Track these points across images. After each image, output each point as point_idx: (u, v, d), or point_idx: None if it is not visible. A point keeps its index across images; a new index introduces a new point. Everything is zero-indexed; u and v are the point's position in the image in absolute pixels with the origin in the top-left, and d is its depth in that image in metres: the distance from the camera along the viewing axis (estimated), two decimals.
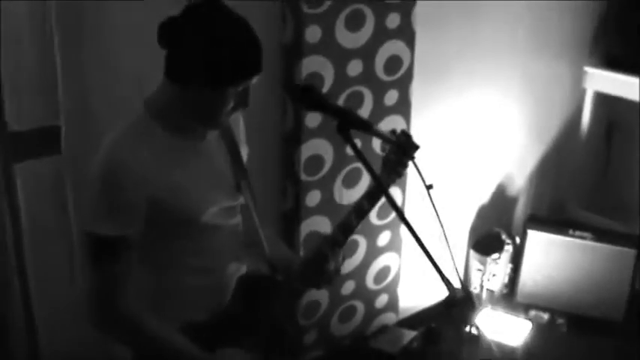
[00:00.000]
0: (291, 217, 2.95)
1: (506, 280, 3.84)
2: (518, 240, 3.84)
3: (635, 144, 4.10)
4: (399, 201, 3.20)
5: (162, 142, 1.84)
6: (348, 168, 2.98)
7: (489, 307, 3.70)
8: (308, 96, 1.87)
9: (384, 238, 3.27)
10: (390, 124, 3.04)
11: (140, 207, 1.79)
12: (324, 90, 2.78)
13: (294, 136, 2.83)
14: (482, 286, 3.76)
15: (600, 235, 3.70)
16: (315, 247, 2.08)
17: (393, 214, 3.22)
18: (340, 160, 2.95)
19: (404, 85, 3.05)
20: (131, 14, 2.36)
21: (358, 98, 2.91)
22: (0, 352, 2.51)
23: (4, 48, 2.17)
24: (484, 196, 3.87)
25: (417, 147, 2.09)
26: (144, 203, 1.79)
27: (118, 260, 1.80)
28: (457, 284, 1.78)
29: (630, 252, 3.63)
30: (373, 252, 3.26)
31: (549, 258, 3.74)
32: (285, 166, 2.91)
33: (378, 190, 2.05)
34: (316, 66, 2.74)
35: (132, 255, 1.82)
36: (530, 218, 3.89)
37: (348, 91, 2.87)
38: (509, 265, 3.82)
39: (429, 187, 1.84)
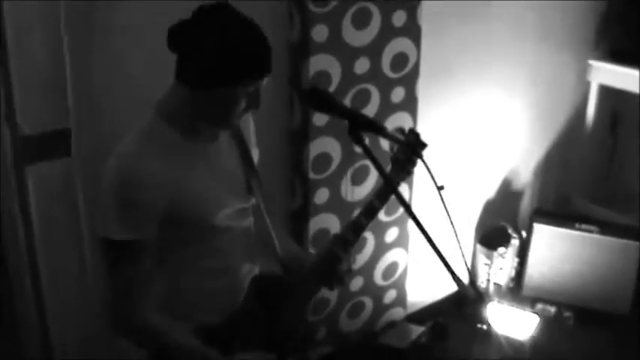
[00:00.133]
0: (300, 215, 2.96)
1: (512, 273, 3.85)
2: (524, 234, 3.85)
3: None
4: (406, 197, 3.21)
5: (173, 146, 1.84)
6: (355, 165, 2.99)
7: (496, 301, 3.72)
8: (317, 98, 1.89)
9: (391, 234, 3.29)
10: (397, 120, 3.05)
11: (154, 212, 1.80)
12: (332, 88, 2.79)
13: (302, 134, 2.84)
14: (489, 280, 3.78)
15: (606, 228, 3.70)
16: (325, 247, 2.10)
17: (401, 211, 3.24)
18: (348, 158, 2.96)
19: (410, 82, 3.05)
20: (140, 15, 2.37)
21: (365, 96, 2.92)
22: (13, 348, 2.54)
23: (15, 51, 2.19)
24: (490, 191, 3.88)
25: (425, 145, 2.10)
26: (158, 208, 1.80)
27: (134, 264, 1.81)
28: (466, 280, 1.80)
29: (636, 245, 3.64)
30: (381, 248, 3.28)
31: (555, 251, 3.75)
32: (293, 164, 2.92)
33: (388, 189, 2.06)
34: (323, 64, 2.75)
35: (148, 258, 1.83)
36: (536, 212, 3.90)
37: (356, 88, 2.88)
38: (516, 259, 3.84)
39: (440, 188, 1.85)
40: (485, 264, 3.76)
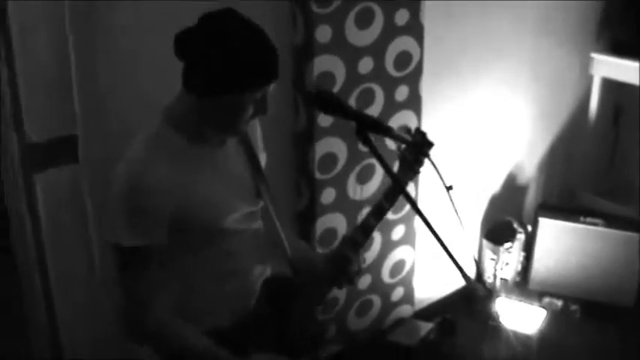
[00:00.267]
0: (307, 215, 2.97)
1: (519, 268, 3.86)
2: (529, 228, 3.86)
3: None
4: (412, 194, 3.22)
5: (181, 152, 1.85)
6: (361, 164, 3.00)
7: (503, 295, 3.73)
8: (323, 100, 1.90)
9: (398, 232, 3.29)
10: (402, 119, 3.06)
11: (162, 217, 1.81)
12: (336, 88, 2.80)
13: (308, 135, 2.84)
14: (495, 275, 3.79)
15: (611, 221, 3.71)
16: (335, 249, 2.11)
17: (407, 208, 3.25)
18: (353, 157, 2.97)
19: (414, 80, 3.06)
20: (145, 15, 2.37)
21: (369, 95, 2.93)
22: (23, 349, 2.56)
23: (20, 51, 2.19)
24: (495, 186, 3.89)
25: (432, 144, 2.11)
26: (166, 213, 1.81)
27: (145, 270, 1.82)
28: (474, 276, 1.81)
29: None
30: (388, 246, 3.29)
31: (561, 245, 3.76)
32: (299, 165, 2.93)
33: (396, 190, 2.07)
34: (328, 65, 2.75)
35: (159, 263, 1.84)
36: (541, 206, 3.90)
37: (360, 88, 2.89)
38: (522, 254, 3.85)
39: (449, 189, 1.86)
40: (492, 259, 3.77)
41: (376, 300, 3.37)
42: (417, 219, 3.10)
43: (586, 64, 4.00)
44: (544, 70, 3.82)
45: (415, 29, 2.98)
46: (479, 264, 1.84)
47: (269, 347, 2.02)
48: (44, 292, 2.46)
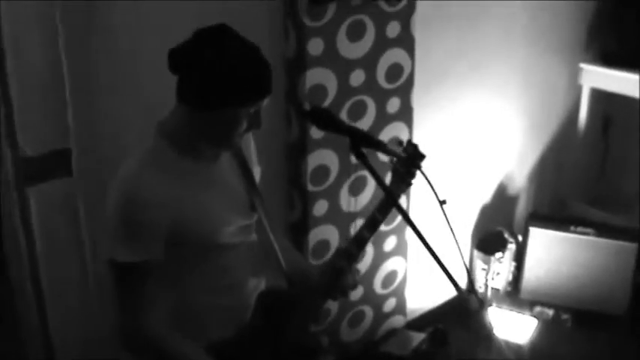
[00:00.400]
0: (299, 227, 2.98)
1: (510, 277, 3.88)
2: (520, 238, 3.88)
3: (631, 138, 4.15)
4: (404, 205, 3.23)
5: (176, 167, 1.87)
6: (353, 176, 3.01)
7: (495, 305, 3.74)
8: (317, 116, 1.92)
9: (390, 243, 3.31)
10: (393, 131, 3.07)
11: (158, 231, 1.82)
12: (328, 101, 2.81)
13: (300, 147, 2.86)
14: (486, 285, 3.81)
15: (602, 230, 3.73)
16: (329, 260, 2.12)
17: (399, 219, 3.26)
18: (346, 169, 2.98)
19: (405, 92, 3.08)
20: (140, 16, 2.36)
21: (361, 107, 2.95)
22: (15, 349, 2.55)
23: (12, 52, 2.18)
24: (486, 196, 3.91)
25: (424, 157, 2.13)
26: (163, 228, 1.82)
27: (141, 285, 1.83)
28: (467, 289, 1.82)
29: (632, 246, 3.66)
30: (380, 257, 3.30)
31: (552, 254, 3.77)
32: (291, 177, 2.94)
33: (389, 202, 2.09)
34: (320, 78, 2.77)
35: (155, 278, 1.85)
36: (532, 216, 3.92)
37: (352, 100, 2.90)
38: (513, 263, 3.86)
39: (442, 203, 1.87)
40: (483, 269, 3.78)
41: (368, 311, 3.37)
42: (409, 230, 3.11)
43: (575, 75, 4.03)
44: (534, 80, 3.85)
45: (406, 41, 3.00)
46: (470, 274, 1.85)
47: None
48: (36, 295, 2.45)
